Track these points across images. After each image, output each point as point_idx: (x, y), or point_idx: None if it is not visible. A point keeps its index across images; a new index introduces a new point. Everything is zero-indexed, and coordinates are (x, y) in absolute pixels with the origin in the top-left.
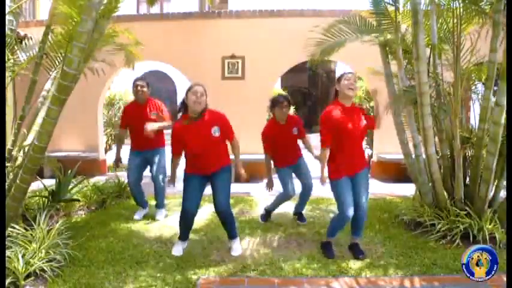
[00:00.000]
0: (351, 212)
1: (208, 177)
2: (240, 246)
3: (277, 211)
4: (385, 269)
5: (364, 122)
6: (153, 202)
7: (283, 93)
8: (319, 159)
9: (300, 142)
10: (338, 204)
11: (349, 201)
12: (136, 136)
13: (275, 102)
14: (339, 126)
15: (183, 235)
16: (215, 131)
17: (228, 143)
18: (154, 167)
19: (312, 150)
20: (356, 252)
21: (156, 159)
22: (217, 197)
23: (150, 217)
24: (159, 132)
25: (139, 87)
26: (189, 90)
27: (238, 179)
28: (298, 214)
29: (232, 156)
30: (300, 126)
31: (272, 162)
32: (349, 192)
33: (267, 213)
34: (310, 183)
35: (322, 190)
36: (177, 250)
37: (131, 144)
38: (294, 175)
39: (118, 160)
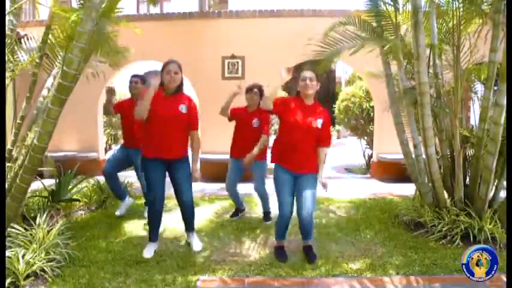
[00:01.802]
0: (287, 209)
1: (166, 166)
2: (200, 242)
3: (276, 211)
4: (385, 269)
5: (317, 124)
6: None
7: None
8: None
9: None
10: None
11: (288, 198)
12: (125, 133)
13: (248, 89)
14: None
15: (154, 234)
16: (182, 108)
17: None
18: (138, 164)
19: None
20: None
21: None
22: (182, 191)
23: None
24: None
25: (133, 83)
26: (163, 68)
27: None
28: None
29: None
30: (264, 122)
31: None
32: (289, 188)
33: (266, 214)
34: (256, 187)
35: (322, 190)
36: (147, 252)
37: (124, 139)
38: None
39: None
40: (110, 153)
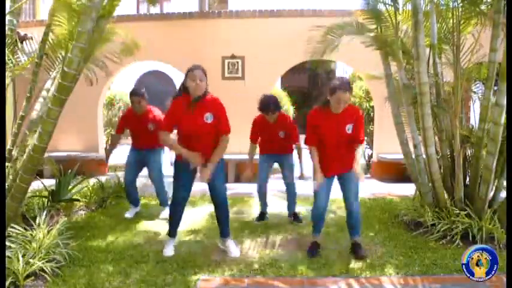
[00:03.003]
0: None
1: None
2: (238, 248)
3: (276, 211)
4: (385, 269)
5: (348, 130)
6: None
7: (278, 93)
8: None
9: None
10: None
11: (324, 189)
12: (134, 138)
13: (262, 109)
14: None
15: (173, 230)
16: (207, 118)
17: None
18: (152, 166)
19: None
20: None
21: (153, 159)
22: (215, 186)
23: (150, 217)
24: (154, 133)
25: (135, 103)
26: (186, 75)
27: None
28: (292, 215)
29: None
30: (290, 130)
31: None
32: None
33: (262, 214)
34: (290, 184)
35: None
36: (169, 250)
37: (131, 140)
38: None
39: (107, 157)
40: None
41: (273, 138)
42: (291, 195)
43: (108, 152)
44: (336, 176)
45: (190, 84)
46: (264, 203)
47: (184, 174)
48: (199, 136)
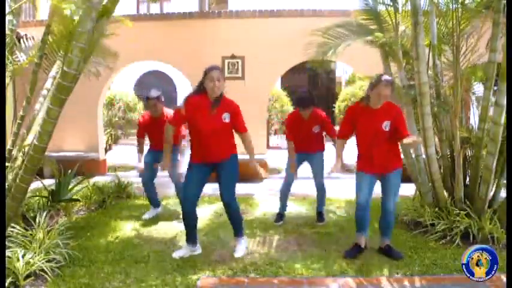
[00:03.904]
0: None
1: (213, 167)
2: (244, 249)
3: (276, 211)
4: (385, 269)
5: (385, 127)
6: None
7: (278, 93)
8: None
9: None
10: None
11: (365, 188)
12: (152, 140)
13: (299, 102)
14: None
15: (190, 235)
16: (225, 118)
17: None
18: (174, 169)
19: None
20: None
21: (172, 157)
22: (222, 188)
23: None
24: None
25: (152, 106)
26: (205, 75)
27: (253, 175)
28: (317, 214)
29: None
30: (325, 124)
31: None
32: (367, 184)
33: (280, 215)
34: (319, 182)
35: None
36: (179, 253)
37: (149, 143)
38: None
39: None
40: (109, 153)
41: (306, 134)
42: (321, 195)
43: (139, 159)
44: (377, 175)
45: (209, 85)
46: (284, 205)
47: (194, 174)
48: (216, 134)
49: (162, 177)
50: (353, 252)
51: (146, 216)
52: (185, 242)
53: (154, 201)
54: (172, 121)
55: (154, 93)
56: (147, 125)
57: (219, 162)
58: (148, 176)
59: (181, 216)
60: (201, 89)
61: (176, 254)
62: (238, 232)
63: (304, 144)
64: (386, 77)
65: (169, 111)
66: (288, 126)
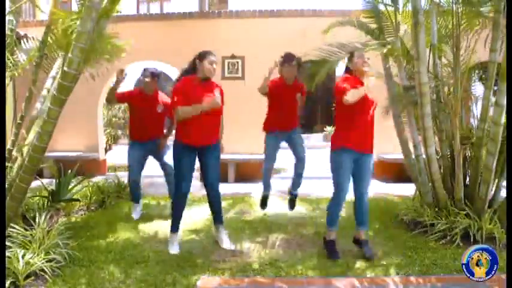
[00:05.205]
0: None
1: (197, 151)
2: (229, 240)
3: (276, 211)
4: (385, 269)
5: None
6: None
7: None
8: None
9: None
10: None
11: (348, 182)
12: (138, 124)
13: (286, 59)
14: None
15: (176, 224)
16: (218, 97)
17: None
18: (162, 155)
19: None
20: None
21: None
22: (210, 175)
23: (150, 217)
24: (161, 122)
25: (143, 78)
26: (204, 57)
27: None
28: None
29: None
30: (303, 92)
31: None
32: (350, 171)
33: (264, 199)
34: (302, 157)
35: (322, 190)
36: (175, 247)
37: (131, 133)
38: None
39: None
40: (109, 153)
41: (289, 104)
42: (300, 173)
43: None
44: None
45: (207, 67)
46: (268, 185)
47: (187, 158)
48: (212, 113)
49: (158, 177)
50: (335, 251)
51: (135, 215)
52: (170, 233)
53: (137, 197)
54: (179, 104)
55: (155, 70)
56: (134, 97)
57: (207, 145)
58: (137, 171)
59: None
60: (191, 71)
61: (174, 250)
62: (220, 218)
63: (285, 118)
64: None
65: (164, 96)
66: (270, 91)
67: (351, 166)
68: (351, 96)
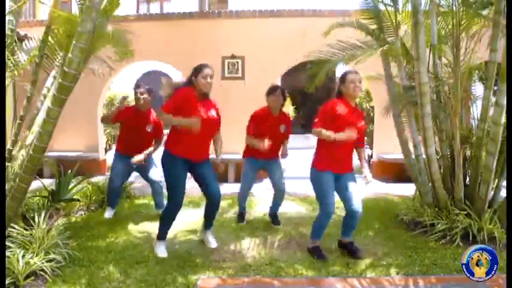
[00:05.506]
0: (332, 208)
1: (190, 165)
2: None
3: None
4: (385, 269)
5: (362, 124)
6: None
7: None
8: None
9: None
10: (320, 200)
11: (333, 197)
12: (128, 141)
13: (270, 90)
14: (340, 120)
15: (165, 234)
16: (214, 113)
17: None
18: (150, 169)
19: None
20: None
21: (149, 161)
22: (212, 185)
23: (150, 217)
24: (149, 140)
25: (139, 94)
26: (199, 72)
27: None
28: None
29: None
30: (289, 127)
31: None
32: (333, 188)
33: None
34: (281, 185)
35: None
36: (162, 251)
37: (118, 145)
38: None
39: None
40: (109, 153)
41: (273, 134)
42: (279, 203)
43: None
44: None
45: (202, 82)
46: (244, 206)
47: (182, 170)
48: (208, 127)
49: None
50: (322, 255)
51: (108, 215)
52: (158, 240)
53: (114, 204)
54: (166, 109)
55: (143, 84)
56: (128, 116)
57: (200, 162)
58: (118, 183)
59: (180, 217)
60: (189, 84)
61: (162, 253)
62: (212, 224)
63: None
64: (348, 71)
65: (154, 113)
66: (253, 121)
67: (332, 184)
68: (323, 135)
